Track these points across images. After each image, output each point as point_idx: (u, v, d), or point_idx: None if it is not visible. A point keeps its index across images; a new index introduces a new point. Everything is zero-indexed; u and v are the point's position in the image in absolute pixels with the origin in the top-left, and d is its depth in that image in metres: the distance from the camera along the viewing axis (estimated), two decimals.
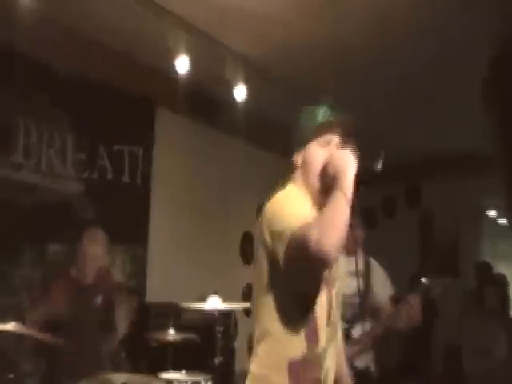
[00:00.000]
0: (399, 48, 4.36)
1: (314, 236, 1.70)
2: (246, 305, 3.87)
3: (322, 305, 2.00)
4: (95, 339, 3.63)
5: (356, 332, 3.38)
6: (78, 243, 3.70)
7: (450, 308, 5.37)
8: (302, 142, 2.10)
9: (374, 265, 3.52)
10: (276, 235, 1.90)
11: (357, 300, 3.23)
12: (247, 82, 4.62)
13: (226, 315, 3.80)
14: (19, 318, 3.21)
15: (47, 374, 3.32)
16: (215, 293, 3.63)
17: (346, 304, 3.08)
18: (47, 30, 3.89)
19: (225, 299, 3.61)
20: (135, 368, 3.42)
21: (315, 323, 1.97)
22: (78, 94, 4.56)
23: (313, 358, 1.96)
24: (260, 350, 2.03)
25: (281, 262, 1.87)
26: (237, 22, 4.17)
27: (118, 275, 4.78)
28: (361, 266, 3.40)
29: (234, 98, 4.70)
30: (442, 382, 5.77)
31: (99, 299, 3.63)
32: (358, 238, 3.39)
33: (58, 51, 4.17)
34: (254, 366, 2.04)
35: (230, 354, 3.97)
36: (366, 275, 3.43)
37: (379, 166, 2.02)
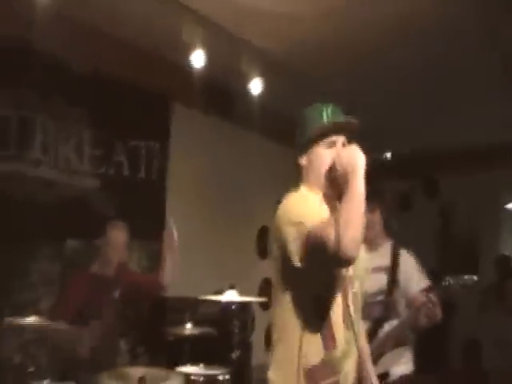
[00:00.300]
0: (413, 39, 4.31)
1: (333, 235, 1.69)
2: (263, 299, 3.87)
3: (338, 306, 1.98)
4: (114, 333, 3.66)
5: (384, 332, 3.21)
6: (102, 237, 3.71)
7: (469, 302, 5.32)
8: (307, 144, 2.08)
9: (404, 257, 3.29)
10: (291, 234, 1.88)
11: (382, 298, 3.19)
12: (263, 76, 4.61)
13: (243, 309, 3.80)
14: (39, 313, 3.25)
15: (67, 367, 3.34)
16: (232, 287, 3.64)
17: (371, 302, 3.06)
18: (63, 26, 3.90)
19: (241, 294, 3.61)
20: (153, 362, 3.43)
21: (331, 326, 1.95)
22: (94, 90, 4.57)
23: (331, 361, 1.94)
24: (277, 356, 2.02)
25: (296, 262, 1.86)
26: (252, 17, 4.15)
27: (132, 267, 4.80)
28: (387, 260, 3.27)
29: (249, 92, 4.69)
30: (461, 377, 5.72)
31: (118, 292, 3.64)
32: (378, 226, 3.32)
33: (73, 47, 4.18)
34: (272, 374, 2.02)
35: (246, 348, 3.97)
36: (394, 270, 3.24)
37: (388, 156, 2.01)
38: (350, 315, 2.00)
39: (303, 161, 2.11)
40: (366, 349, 2.36)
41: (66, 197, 4.40)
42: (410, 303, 3.16)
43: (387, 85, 4.91)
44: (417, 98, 5.33)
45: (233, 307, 3.85)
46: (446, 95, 5.23)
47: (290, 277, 1.96)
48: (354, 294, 2.04)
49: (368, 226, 2.81)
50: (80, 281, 3.58)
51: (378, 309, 3.18)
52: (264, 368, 2.07)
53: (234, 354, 3.57)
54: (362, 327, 2.18)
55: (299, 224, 1.87)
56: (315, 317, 1.95)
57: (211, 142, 5.62)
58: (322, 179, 2.03)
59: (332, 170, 1.98)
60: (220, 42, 4.31)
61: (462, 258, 6.86)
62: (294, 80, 4.81)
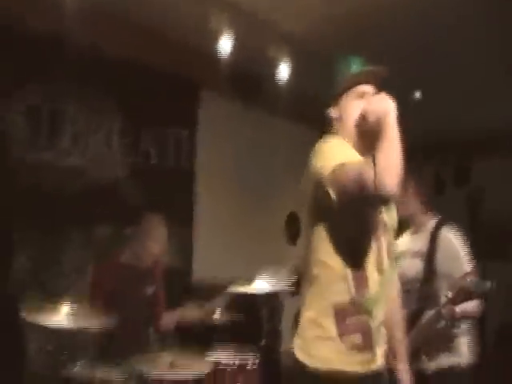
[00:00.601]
0: (448, 17, 4.21)
1: (374, 173, 1.70)
2: (291, 288, 3.86)
3: (372, 249, 1.99)
4: (144, 320, 3.69)
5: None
6: (134, 227, 3.72)
7: (503, 291, 5.22)
8: (337, 95, 2.10)
9: (445, 241, 3.04)
10: (326, 168, 1.87)
11: (418, 286, 3.04)
12: (291, 61, 4.57)
13: (272, 296, 3.80)
14: (70, 301, 3.28)
15: (98, 353, 3.38)
16: (261, 275, 3.65)
17: (409, 290, 2.98)
18: (91, 16, 3.91)
19: (270, 281, 3.61)
20: (182, 348, 3.45)
21: (364, 267, 1.97)
22: (122, 79, 4.59)
23: (361, 302, 1.96)
24: (308, 294, 2.04)
25: (331, 199, 1.85)
26: (277, 0, 4.11)
27: (164, 258, 4.83)
28: (425, 244, 3.06)
29: (276, 77, 4.66)
30: (493, 360, 5.63)
31: (150, 288, 3.67)
32: (414, 204, 3.13)
33: (102, 37, 4.20)
34: (304, 309, 2.05)
35: (275, 334, 3.98)
36: (430, 256, 3.02)
37: (418, 95, 2.01)
38: (383, 261, 2.01)
39: (333, 113, 2.12)
40: (398, 297, 2.36)
41: (96, 186, 4.44)
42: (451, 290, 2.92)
43: (419, 65, 4.83)
44: (449, 81, 5.22)
45: (262, 294, 3.85)
46: (479, 78, 5.12)
47: (324, 216, 1.97)
48: (388, 240, 2.06)
49: (403, 204, 2.77)
50: (109, 268, 3.60)
51: (416, 297, 3.03)
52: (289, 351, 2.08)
53: (263, 340, 3.56)
54: (393, 276, 2.17)
55: (334, 158, 1.87)
56: (349, 257, 1.97)
57: (239, 128, 5.62)
58: (353, 131, 2.04)
59: (363, 120, 1.95)
60: (246, 28, 4.28)
61: (494, 246, 6.74)
62: (321, 63, 4.75)
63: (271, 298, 3.85)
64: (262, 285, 3.58)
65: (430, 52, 4.65)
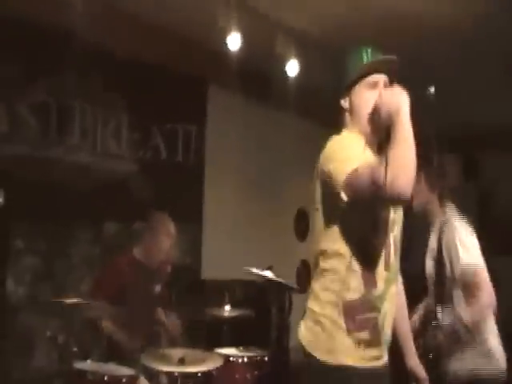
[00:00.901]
0: (461, 14, 4.18)
1: (387, 175, 1.66)
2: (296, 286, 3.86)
3: (381, 246, 1.98)
4: (154, 316, 3.71)
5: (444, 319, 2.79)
6: (147, 225, 3.72)
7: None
8: (348, 85, 2.05)
9: (450, 228, 2.83)
10: (338, 172, 1.84)
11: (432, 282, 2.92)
12: (299, 57, 4.56)
13: (281, 291, 3.80)
14: (80, 294, 3.30)
15: (108, 348, 3.40)
16: (269, 268, 3.65)
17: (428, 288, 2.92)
18: (100, 11, 3.91)
19: (279, 276, 3.62)
20: (192, 344, 3.46)
21: (373, 265, 1.96)
22: (131, 75, 4.60)
23: (370, 299, 1.95)
24: (316, 287, 2.04)
25: (342, 201, 1.83)
26: None
27: (174, 255, 4.85)
28: (435, 239, 2.91)
29: (286, 74, 4.65)
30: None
31: (159, 286, 3.68)
32: (424, 194, 2.91)
33: (111, 33, 4.20)
34: (311, 303, 2.04)
35: (284, 329, 3.97)
36: (439, 247, 2.86)
37: (432, 92, 1.97)
38: (390, 257, 2.00)
39: (345, 103, 2.08)
40: (403, 293, 2.36)
41: (105, 181, 4.45)
42: (465, 286, 2.73)
43: (427, 60, 4.79)
44: (459, 76, 5.18)
45: (270, 287, 3.85)
46: (488, 71, 5.08)
47: (334, 214, 1.96)
48: (395, 238, 2.04)
49: (416, 196, 2.71)
50: (121, 263, 3.61)
51: (432, 295, 2.92)
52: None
53: (272, 336, 3.57)
54: (398, 271, 2.15)
55: (346, 161, 1.84)
56: (360, 255, 1.95)
57: (248, 124, 5.61)
58: (365, 120, 1.99)
59: (375, 112, 1.90)
60: (254, 24, 4.27)
61: (503, 241, 6.70)
62: (330, 60, 4.73)
63: (279, 292, 3.85)
64: (269, 275, 3.59)
65: (443, 44, 4.60)
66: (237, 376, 3.41)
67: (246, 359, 3.48)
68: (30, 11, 3.83)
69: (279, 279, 3.60)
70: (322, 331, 1.98)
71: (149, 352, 3.14)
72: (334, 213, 1.96)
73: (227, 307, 3.81)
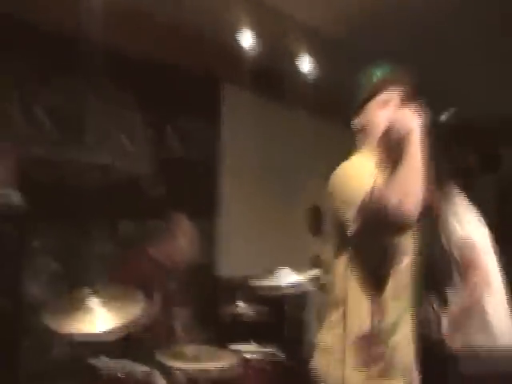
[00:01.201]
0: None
1: (393, 199, 1.65)
2: (314, 274, 3.84)
3: (390, 277, 1.93)
4: (169, 313, 3.72)
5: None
6: (164, 224, 3.73)
7: None
8: (360, 104, 2.01)
9: (450, 210, 2.75)
10: (346, 200, 1.84)
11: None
12: (312, 53, 4.55)
13: (296, 289, 3.79)
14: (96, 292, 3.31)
15: (124, 346, 3.41)
16: (284, 266, 3.64)
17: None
18: (113, 12, 3.92)
19: (294, 271, 3.61)
20: (206, 341, 3.47)
21: (383, 296, 1.92)
22: (144, 74, 4.62)
23: (378, 332, 1.91)
24: (327, 321, 2.02)
25: (351, 230, 1.82)
26: None
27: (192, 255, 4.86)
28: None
29: (299, 71, 4.65)
30: None
31: (174, 284, 3.68)
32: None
33: (126, 33, 4.21)
34: (322, 336, 2.04)
35: (298, 326, 3.98)
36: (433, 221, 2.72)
37: (444, 117, 1.93)
38: (399, 287, 1.96)
39: (357, 124, 2.04)
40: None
41: (120, 180, 4.48)
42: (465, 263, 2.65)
43: (445, 53, 4.76)
44: (475, 66, 5.12)
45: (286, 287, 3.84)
46: (506, 62, 5.02)
47: (345, 245, 1.94)
48: (406, 266, 1.99)
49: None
50: (136, 260, 3.63)
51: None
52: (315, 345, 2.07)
53: (287, 333, 3.56)
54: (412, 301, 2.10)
55: (354, 193, 1.82)
56: (368, 284, 1.92)
57: (262, 121, 5.61)
58: (376, 140, 1.95)
59: (386, 133, 1.88)
60: (268, 21, 4.27)
61: None
62: (343, 56, 4.72)
63: (295, 291, 3.84)
64: (286, 278, 3.57)
65: (460, 37, 4.55)
66: (251, 373, 3.41)
67: (260, 356, 3.49)
68: (46, 12, 3.86)
69: (293, 280, 3.59)
70: (331, 364, 1.96)
71: (164, 349, 3.15)
72: (343, 244, 1.94)
73: (241, 304, 3.81)
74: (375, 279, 1.93)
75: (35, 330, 3.83)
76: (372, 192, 1.75)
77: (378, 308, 1.91)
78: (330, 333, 2.00)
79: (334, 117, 5.85)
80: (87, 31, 3.93)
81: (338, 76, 4.92)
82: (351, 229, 1.82)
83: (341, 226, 1.88)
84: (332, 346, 1.97)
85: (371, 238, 1.86)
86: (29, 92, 4.03)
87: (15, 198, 3.64)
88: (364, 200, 1.77)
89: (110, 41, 4.12)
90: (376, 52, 4.51)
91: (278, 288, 3.68)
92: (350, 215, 1.81)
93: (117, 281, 3.50)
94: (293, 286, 3.76)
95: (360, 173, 1.91)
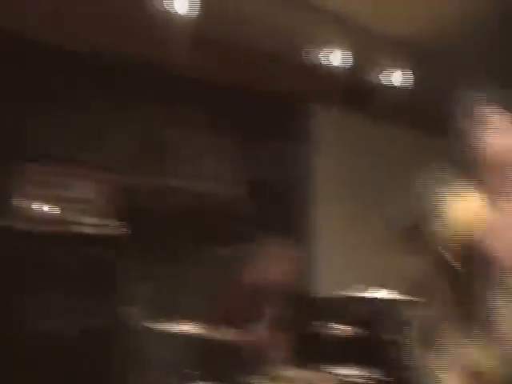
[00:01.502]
0: None
1: (500, 243, 1.59)
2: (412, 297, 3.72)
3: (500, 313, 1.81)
4: (268, 338, 3.70)
5: None
6: (258, 248, 3.74)
7: None
8: (468, 132, 1.84)
9: None
10: (455, 239, 1.76)
11: None
12: (401, 67, 4.45)
13: (392, 308, 3.69)
14: (194, 318, 3.36)
15: (219, 370, 3.43)
16: (382, 286, 3.56)
17: None
18: (195, 39, 3.98)
19: (391, 292, 3.52)
20: (304, 363, 3.42)
21: (493, 332, 1.80)
22: (235, 99, 4.67)
23: (494, 367, 1.78)
24: (435, 351, 1.92)
25: (457, 267, 1.75)
26: (383, 6, 4.01)
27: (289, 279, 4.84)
28: None
29: (389, 85, 4.56)
30: None
31: (271, 308, 3.67)
32: None
33: (214, 61, 4.27)
34: (440, 373, 1.91)
35: (397, 347, 3.84)
36: None
37: None
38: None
39: (467, 152, 1.87)
40: None
41: (211, 205, 4.53)
42: None
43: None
44: None
45: (381, 306, 3.74)
46: None
47: (451, 280, 1.85)
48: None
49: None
50: (233, 289, 3.65)
51: None
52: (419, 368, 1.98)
53: (386, 355, 3.46)
54: None
55: (466, 228, 1.73)
56: (475, 321, 1.82)
57: (353, 139, 5.55)
58: (490, 174, 1.81)
59: (491, 158, 1.76)
60: (354, 37, 4.22)
61: None
62: (437, 69, 4.58)
63: (391, 309, 3.74)
64: (381, 294, 3.49)
65: None
66: None
67: (361, 380, 3.40)
68: (115, 42, 3.96)
69: (392, 296, 3.50)
70: None
71: (261, 374, 3.13)
72: (448, 279, 1.86)
73: (339, 325, 3.74)
74: (483, 315, 1.81)
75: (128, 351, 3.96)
76: (480, 234, 1.67)
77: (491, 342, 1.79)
78: (447, 371, 1.91)
79: (433, 133, 5.68)
80: (166, 59, 4.00)
81: (435, 90, 4.79)
82: (457, 265, 1.75)
83: (447, 262, 1.80)
84: (444, 373, 1.88)
85: (477, 276, 1.77)
86: (103, 119, 4.17)
87: (115, 227, 3.78)
88: (472, 242, 1.69)
89: (201, 69, 4.19)
90: (471, 63, 4.38)
91: (373, 301, 3.58)
92: (457, 253, 1.73)
93: (216, 308, 3.55)
94: (387, 303, 3.67)
95: (474, 208, 1.80)
